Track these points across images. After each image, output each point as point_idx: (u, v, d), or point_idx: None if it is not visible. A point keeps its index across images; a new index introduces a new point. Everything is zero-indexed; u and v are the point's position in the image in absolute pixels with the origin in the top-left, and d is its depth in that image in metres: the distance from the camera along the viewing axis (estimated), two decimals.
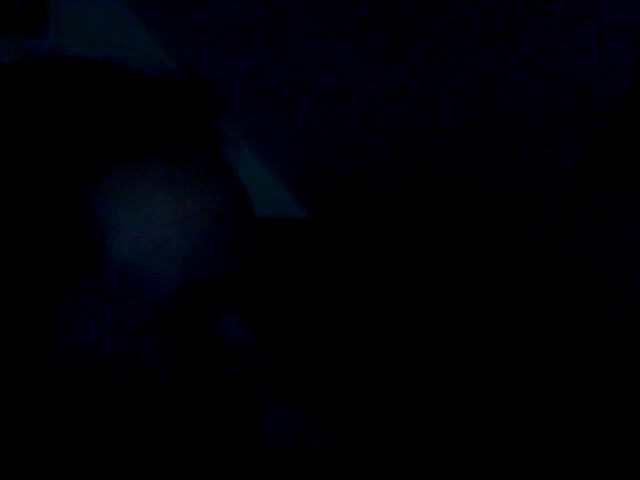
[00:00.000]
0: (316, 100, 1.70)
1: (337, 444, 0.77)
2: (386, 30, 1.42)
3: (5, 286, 0.57)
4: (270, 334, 1.81)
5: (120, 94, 0.59)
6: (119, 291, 0.57)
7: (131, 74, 0.62)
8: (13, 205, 0.57)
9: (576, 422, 1.64)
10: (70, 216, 0.56)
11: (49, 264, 0.57)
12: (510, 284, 1.72)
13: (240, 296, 0.60)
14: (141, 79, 0.61)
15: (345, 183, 1.88)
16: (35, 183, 0.56)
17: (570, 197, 1.45)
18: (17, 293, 0.57)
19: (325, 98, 1.68)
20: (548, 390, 1.69)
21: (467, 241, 1.74)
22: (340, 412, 1.80)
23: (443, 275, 1.83)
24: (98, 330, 0.57)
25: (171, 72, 0.63)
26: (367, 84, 1.57)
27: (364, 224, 1.93)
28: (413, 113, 1.55)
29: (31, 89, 0.60)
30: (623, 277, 1.48)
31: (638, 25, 1.13)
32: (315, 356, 1.87)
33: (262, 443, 0.72)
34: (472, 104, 1.43)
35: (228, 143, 0.65)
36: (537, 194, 1.50)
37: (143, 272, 0.56)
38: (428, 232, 1.81)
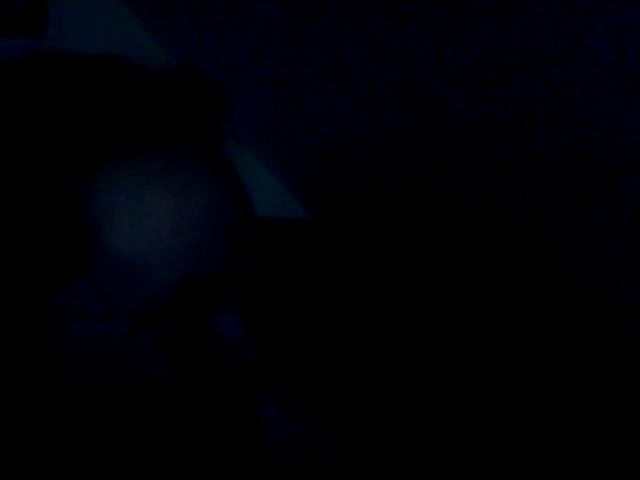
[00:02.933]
0: (317, 100, 1.70)
1: (338, 444, 0.76)
2: (387, 30, 1.42)
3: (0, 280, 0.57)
4: (270, 334, 1.81)
5: (119, 89, 0.59)
6: (114, 286, 0.56)
7: (131, 69, 0.61)
8: (6, 198, 0.57)
9: (576, 422, 1.64)
10: (64, 210, 0.56)
11: (43, 259, 0.56)
12: (509, 285, 1.72)
13: (238, 293, 0.60)
14: (141, 74, 0.61)
15: (345, 183, 1.88)
16: (29, 176, 0.56)
17: (569, 197, 1.45)
18: (10, 289, 0.57)
19: (326, 98, 1.68)
20: (548, 390, 1.69)
21: (468, 241, 1.74)
22: (340, 412, 1.79)
23: (443, 275, 1.83)
24: (93, 325, 0.57)
25: (172, 69, 0.63)
26: (368, 84, 1.57)
27: (364, 224, 1.93)
28: (414, 113, 1.55)
29: (30, 83, 0.59)
30: (621, 279, 1.48)
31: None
32: (315, 356, 1.87)
33: (260, 442, 0.71)
34: (473, 105, 1.43)
35: (230, 141, 0.64)
36: (537, 195, 1.50)
37: (138, 266, 0.56)
38: (429, 232, 1.81)
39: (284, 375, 1.79)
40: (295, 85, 1.70)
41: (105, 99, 0.58)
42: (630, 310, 1.52)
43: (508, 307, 1.74)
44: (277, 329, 1.84)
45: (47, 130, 0.57)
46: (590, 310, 1.60)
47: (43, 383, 0.58)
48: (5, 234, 0.56)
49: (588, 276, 1.55)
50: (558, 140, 1.37)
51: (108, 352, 0.57)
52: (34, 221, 0.56)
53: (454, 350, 1.81)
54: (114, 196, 0.56)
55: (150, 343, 0.57)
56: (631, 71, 1.16)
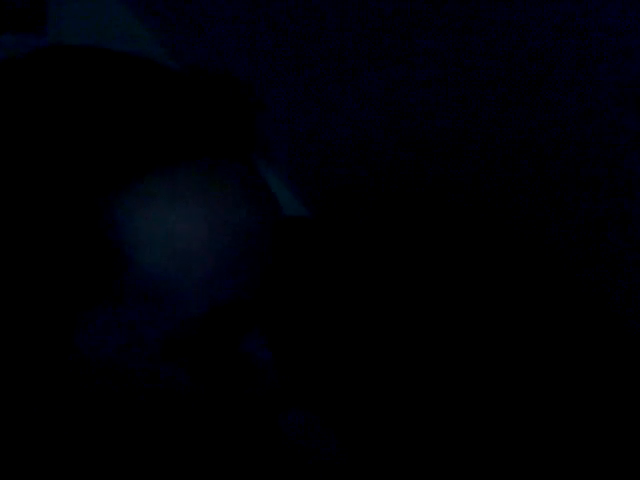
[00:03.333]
0: (318, 97, 1.70)
1: (348, 446, 0.75)
2: (388, 32, 1.41)
3: (27, 301, 0.54)
4: (271, 333, 1.81)
5: (153, 96, 0.55)
6: (142, 312, 0.53)
7: (158, 72, 0.57)
8: (36, 217, 0.53)
9: (576, 422, 1.64)
10: (94, 229, 0.52)
11: (71, 281, 0.53)
12: (510, 286, 1.72)
13: (264, 317, 0.57)
14: (170, 78, 0.57)
15: (347, 181, 1.88)
16: (59, 194, 0.52)
17: (569, 197, 1.44)
18: (38, 309, 0.54)
19: (328, 96, 1.68)
20: (553, 388, 1.69)
21: (470, 241, 1.74)
22: (345, 412, 1.79)
23: (447, 274, 1.82)
24: (119, 347, 0.54)
25: (202, 72, 0.58)
26: (369, 83, 1.57)
27: (366, 223, 1.92)
28: (416, 112, 1.55)
29: (54, 88, 0.55)
30: (623, 276, 1.47)
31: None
32: (318, 355, 1.86)
33: (279, 446, 0.69)
34: (473, 105, 1.43)
35: (259, 150, 0.60)
36: (538, 196, 1.50)
37: (168, 293, 0.52)
38: (430, 231, 1.81)
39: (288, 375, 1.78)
40: (297, 84, 1.70)
41: (135, 109, 0.54)
42: (632, 308, 1.52)
43: (509, 306, 1.73)
44: (278, 327, 1.83)
45: (76, 147, 0.53)
46: (592, 309, 1.60)
47: (67, 402, 0.57)
48: (34, 254, 0.53)
49: (591, 275, 1.55)
50: (558, 140, 1.37)
51: (132, 377, 0.55)
52: (61, 241, 0.53)
53: (457, 348, 1.81)
54: (146, 218, 0.53)
55: (177, 369, 0.54)
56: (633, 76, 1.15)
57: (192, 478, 0.59)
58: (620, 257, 1.46)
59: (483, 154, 1.52)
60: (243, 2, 1.60)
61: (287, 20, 1.56)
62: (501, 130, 1.43)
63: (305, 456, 0.72)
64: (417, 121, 1.56)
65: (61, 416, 0.58)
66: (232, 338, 0.56)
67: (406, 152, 1.66)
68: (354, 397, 1.82)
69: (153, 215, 0.53)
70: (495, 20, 1.26)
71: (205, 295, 0.53)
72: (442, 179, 1.66)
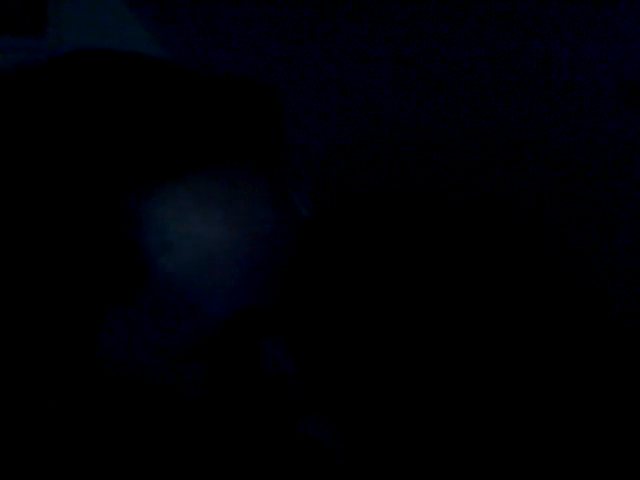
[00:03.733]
0: (318, 98, 1.70)
1: (364, 449, 0.75)
2: (388, 31, 1.41)
3: (51, 300, 0.54)
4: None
5: (182, 101, 0.55)
6: (164, 316, 0.53)
7: (193, 78, 0.57)
8: (62, 216, 0.53)
9: (576, 422, 1.63)
10: (119, 232, 0.52)
11: (95, 278, 0.53)
12: (510, 286, 1.72)
13: (284, 322, 0.57)
14: (197, 83, 0.56)
15: (347, 182, 1.87)
16: (86, 195, 0.52)
17: (569, 197, 1.44)
18: (61, 309, 0.54)
19: (327, 96, 1.67)
20: (554, 388, 1.68)
21: (469, 241, 1.74)
22: (348, 409, 1.79)
23: (446, 274, 1.82)
24: (140, 350, 0.54)
25: (230, 77, 0.58)
26: (370, 84, 1.57)
27: (366, 223, 1.92)
28: (416, 112, 1.54)
29: (88, 92, 0.55)
30: (620, 278, 1.47)
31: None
32: (317, 355, 1.86)
33: (295, 457, 0.69)
34: (473, 105, 1.43)
35: (283, 157, 0.60)
36: (538, 197, 1.50)
37: (191, 296, 0.52)
38: (431, 230, 1.80)
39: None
40: (297, 85, 1.70)
41: (163, 114, 0.54)
42: (631, 308, 1.52)
43: (510, 306, 1.73)
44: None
45: (106, 148, 0.53)
46: (591, 309, 1.60)
47: (86, 401, 0.56)
48: (59, 255, 0.53)
49: (590, 275, 1.55)
50: (557, 140, 1.37)
51: (153, 378, 0.54)
52: (87, 242, 0.53)
53: (459, 348, 1.81)
54: (170, 220, 0.52)
55: (197, 374, 0.54)
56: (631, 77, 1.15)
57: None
58: (620, 258, 1.46)
59: (483, 154, 1.52)
60: (244, 3, 1.60)
61: (286, 18, 1.56)
62: (501, 130, 1.43)
63: (319, 459, 0.71)
64: (420, 120, 1.56)
65: (77, 416, 0.57)
66: (252, 344, 0.56)
67: (407, 151, 1.66)
68: (366, 399, 1.82)
69: (177, 218, 0.53)
70: (496, 18, 1.26)
71: (227, 300, 0.53)
72: (443, 179, 1.65)
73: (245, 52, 1.73)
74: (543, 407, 1.69)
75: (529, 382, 1.72)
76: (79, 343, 0.54)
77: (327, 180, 1.92)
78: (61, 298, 0.54)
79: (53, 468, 0.58)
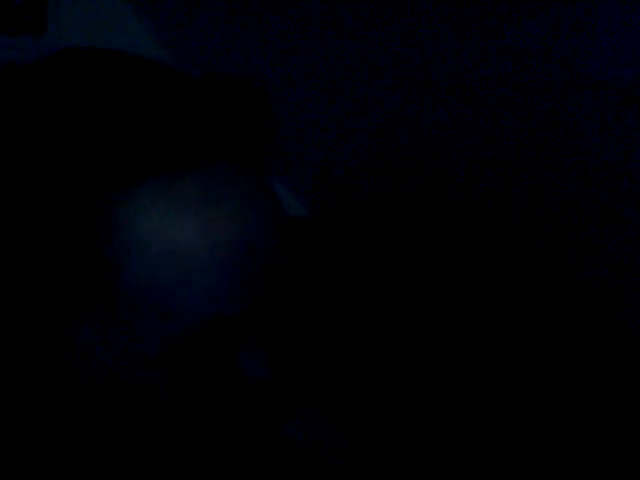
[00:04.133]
0: (319, 97, 1.70)
1: (357, 446, 0.74)
2: (389, 30, 1.41)
3: (18, 305, 0.52)
4: (271, 335, 1.80)
5: (162, 99, 0.53)
6: (134, 320, 0.51)
7: (179, 77, 0.55)
8: (28, 220, 0.51)
9: (575, 422, 1.63)
10: (89, 233, 0.51)
11: (62, 287, 0.51)
12: (508, 287, 1.72)
13: (264, 330, 0.55)
14: (183, 82, 0.55)
15: (347, 181, 1.87)
16: (61, 193, 0.51)
17: (569, 197, 1.44)
18: (29, 315, 0.52)
19: (328, 96, 1.67)
20: (554, 388, 1.69)
21: (468, 241, 1.74)
22: (344, 411, 1.79)
23: (446, 274, 1.82)
24: (110, 356, 0.52)
25: (215, 76, 0.56)
26: (370, 83, 1.57)
27: (366, 223, 1.92)
28: (416, 112, 1.54)
29: (59, 90, 0.53)
30: (621, 276, 1.47)
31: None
32: (316, 355, 1.86)
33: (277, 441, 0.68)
34: (474, 105, 1.43)
35: (271, 158, 0.58)
36: (537, 199, 1.50)
37: (166, 299, 0.50)
38: (430, 230, 1.80)
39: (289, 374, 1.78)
40: (297, 84, 1.70)
41: (140, 112, 0.52)
42: (630, 307, 1.52)
43: (509, 307, 1.73)
44: (277, 327, 1.83)
45: (79, 148, 0.51)
46: (592, 309, 1.60)
47: (56, 407, 0.55)
48: (24, 258, 0.51)
49: (591, 275, 1.55)
50: (557, 140, 1.37)
51: (124, 384, 0.52)
52: (60, 242, 0.51)
53: (458, 349, 1.81)
54: (143, 224, 0.50)
55: (168, 379, 0.52)
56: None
57: None
58: (620, 257, 1.46)
59: (482, 154, 1.52)
60: (248, 5, 1.60)
61: (290, 23, 1.56)
62: (501, 130, 1.43)
63: (309, 457, 0.70)
64: (416, 121, 1.56)
65: (50, 419, 0.56)
66: (226, 351, 0.54)
67: (409, 151, 1.66)
68: (360, 397, 1.82)
69: (153, 218, 0.51)
70: (493, 23, 1.26)
71: (202, 306, 0.51)
72: (441, 179, 1.66)
73: (247, 54, 1.73)
74: (543, 406, 1.69)
75: (527, 382, 1.72)
76: (48, 348, 0.53)
77: (327, 179, 1.92)
78: (29, 301, 0.52)
79: (21, 464, 0.58)
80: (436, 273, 1.83)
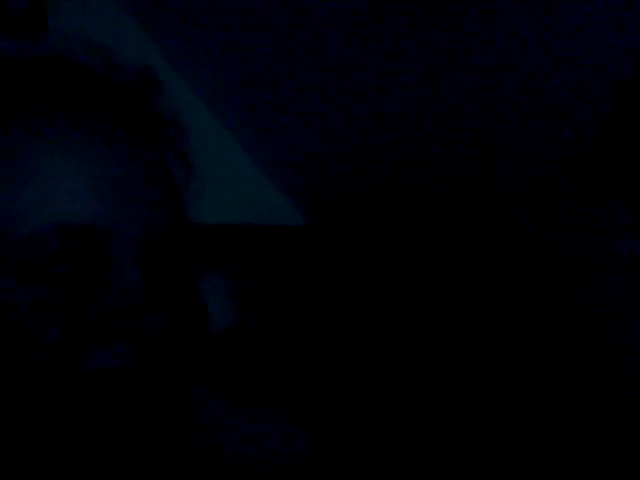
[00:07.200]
0: (314, 107, 1.70)
1: (314, 441, 0.73)
2: (385, 36, 1.42)
3: None
4: (266, 340, 1.80)
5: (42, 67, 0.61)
6: None
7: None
8: None
9: (574, 422, 1.64)
10: None
11: None
12: (506, 290, 1.72)
13: (144, 258, 0.57)
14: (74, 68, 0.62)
15: (342, 190, 1.88)
16: None
17: (561, 199, 1.45)
18: None
19: (323, 105, 1.68)
20: (544, 391, 1.69)
21: (464, 248, 1.74)
22: (337, 419, 1.79)
23: (440, 282, 1.82)
24: None
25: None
26: (365, 90, 1.57)
27: (360, 231, 1.92)
28: (411, 119, 1.55)
29: None
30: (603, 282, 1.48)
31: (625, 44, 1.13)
32: (311, 363, 1.86)
33: (198, 439, 0.67)
34: (470, 110, 1.43)
35: (171, 127, 0.64)
36: (539, 199, 1.50)
37: (10, 207, 0.56)
38: (424, 239, 1.81)
39: (280, 381, 1.78)
40: (293, 93, 1.70)
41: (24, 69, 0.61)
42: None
43: (507, 310, 1.74)
44: (273, 334, 1.84)
45: None
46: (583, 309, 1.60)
47: None
48: None
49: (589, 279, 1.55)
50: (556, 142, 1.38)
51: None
52: None
53: (455, 354, 1.81)
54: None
55: (34, 298, 0.55)
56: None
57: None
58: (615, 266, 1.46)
59: (478, 162, 1.53)
60: (241, 8, 1.61)
61: (284, 28, 1.56)
62: (501, 131, 1.44)
63: (262, 458, 0.69)
64: (414, 128, 1.56)
65: None
66: (90, 271, 0.56)
67: (403, 159, 1.66)
68: (339, 400, 1.82)
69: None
70: (482, 30, 1.27)
71: (49, 213, 0.56)
72: (439, 186, 1.66)
73: (243, 55, 1.74)
74: (539, 408, 1.69)
75: (523, 382, 1.72)
76: None
77: (323, 188, 1.92)
78: None
79: None
80: (430, 280, 1.83)
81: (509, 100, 1.35)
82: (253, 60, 1.71)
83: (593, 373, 1.60)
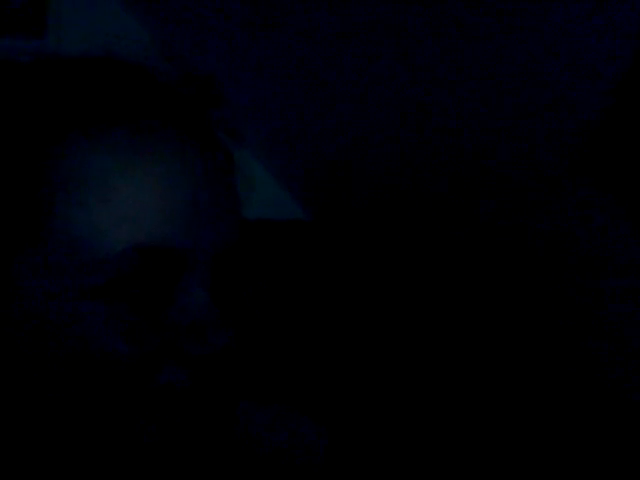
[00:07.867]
0: (318, 101, 1.70)
1: (335, 439, 0.74)
2: (388, 31, 1.42)
3: None
4: (269, 336, 1.80)
5: (95, 72, 0.60)
6: (62, 251, 0.55)
7: (120, 66, 0.62)
8: None
9: (573, 422, 1.64)
10: (24, 176, 0.56)
11: (2, 226, 0.56)
12: (505, 287, 1.72)
13: (208, 275, 0.57)
14: (130, 70, 0.62)
15: (344, 185, 1.88)
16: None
17: (559, 195, 1.45)
18: None
19: (327, 100, 1.68)
20: (543, 389, 1.69)
21: (466, 245, 1.74)
22: (342, 413, 1.79)
23: (442, 276, 1.82)
24: (44, 294, 0.56)
25: (169, 71, 0.64)
26: (370, 86, 1.57)
27: (363, 225, 1.92)
28: (415, 115, 1.55)
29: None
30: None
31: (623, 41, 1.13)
32: (314, 358, 1.87)
33: (239, 436, 0.68)
34: (472, 106, 1.43)
35: (229, 134, 0.64)
36: (535, 198, 1.50)
37: (94, 229, 0.55)
38: (428, 234, 1.81)
39: (282, 376, 1.78)
40: (297, 87, 1.70)
41: (78, 78, 0.59)
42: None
43: (507, 310, 1.73)
44: (275, 330, 1.84)
45: (11, 99, 0.58)
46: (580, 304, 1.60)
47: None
48: None
49: (583, 283, 1.55)
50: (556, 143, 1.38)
51: (57, 321, 0.55)
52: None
53: (454, 350, 1.81)
54: (75, 165, 0.56)
55: (100, 313, 0.55)
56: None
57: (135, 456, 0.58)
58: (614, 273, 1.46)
59: (482, 162, 1.53)
60: (240, 3, 1.61)
61: (282, 20, 1.56)
62: (501, 132, 1.44)
63: (267, 446, 0.70)
64: (418, 123, 1.56)
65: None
66: (161, 287, 0.57)
67: (407, 155, 1.66)
68: (342, 395, 1.82)
69: (83, 162, 0.56)
70: (488, 35, 1.27)
71: (123, 237, 0.55)
72: (442, 182, 1.66)
73: (241, 56, 1.74)
74: (537, 406, 1.69)
75: (522, 383, 1.72)
76: None
77: (326, 181, 1.92)
78: None
79: None
80: (433, 274, 1.83)
81: (509, 96, 1.35)
82: (258, 57, 1.71)
83: (593, 373, 1.60)
